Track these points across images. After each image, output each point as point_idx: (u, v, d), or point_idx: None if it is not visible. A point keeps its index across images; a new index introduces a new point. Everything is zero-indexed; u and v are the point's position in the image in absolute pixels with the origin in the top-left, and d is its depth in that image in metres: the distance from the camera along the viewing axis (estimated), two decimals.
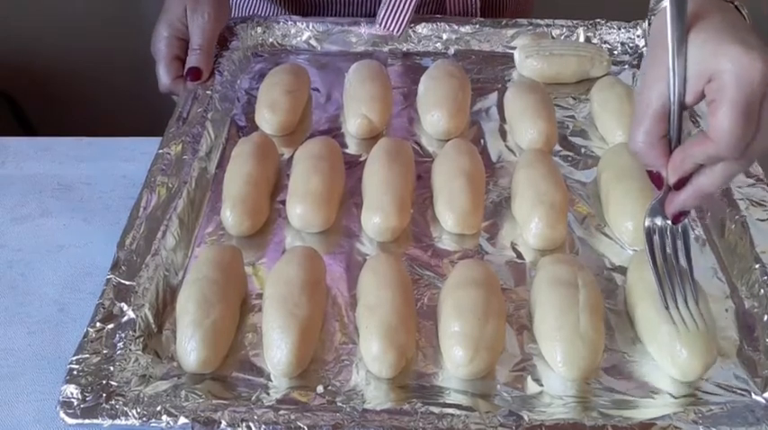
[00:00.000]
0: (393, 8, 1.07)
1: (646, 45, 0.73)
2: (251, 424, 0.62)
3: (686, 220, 0.71)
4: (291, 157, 0.90)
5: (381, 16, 1.08)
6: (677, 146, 0.66)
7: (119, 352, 0.67)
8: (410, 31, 1.11)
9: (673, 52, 0.63)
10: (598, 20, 1.11)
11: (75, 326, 0.70)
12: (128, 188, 0.90)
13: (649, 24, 0.69)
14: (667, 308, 0.70)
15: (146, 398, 0.64)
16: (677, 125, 0.66)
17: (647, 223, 0.72)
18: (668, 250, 0.71)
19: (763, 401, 0.67)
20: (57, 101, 1.84)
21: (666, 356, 0.68)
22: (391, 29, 1.08)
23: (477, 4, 1.15)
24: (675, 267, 0.71)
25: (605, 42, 1.10)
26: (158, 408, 0.63)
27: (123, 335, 0.69)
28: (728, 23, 0.64)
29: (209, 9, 1.01)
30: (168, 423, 0.62)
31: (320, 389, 0.67)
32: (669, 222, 0.71)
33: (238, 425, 0.62)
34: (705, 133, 0.63)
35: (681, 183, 0.67)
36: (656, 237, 0.72)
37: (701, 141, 0.63)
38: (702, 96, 0.64)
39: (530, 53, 1.06)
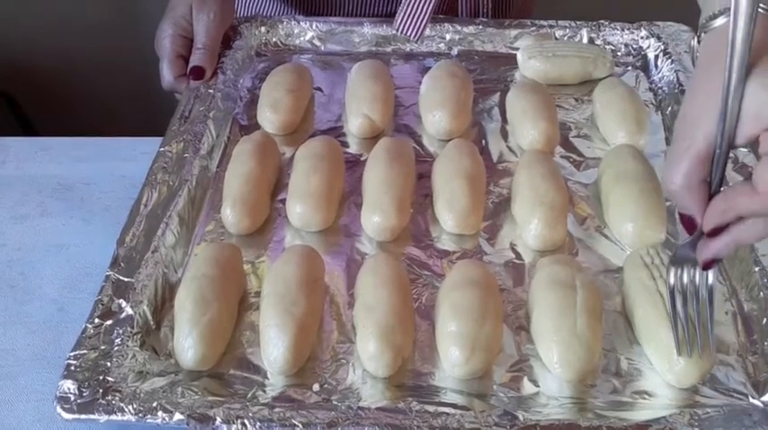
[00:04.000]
0: (410, 13, 1.07)
1: (693, 64, 0.66)
2: (246, 421, 0.62)
3: (716, 268, 0.66)
4: (293, 157, 0.90)
5: (399, 21, 1.07)
6: (717, 191, 0.61)
7: (116, 348, 0.68)
8: None
9: (729, 88, 0.56)
10: (601, 21, 1.11)
11: (74, 325, 0.70)
12: (127, 188, 0.90)
13: (698, 42, 0.61)
14: (680, 354, 0.66)
15: (142, 395, 0.65)
16: (721, 170, 0.60)
17: (671, 277, 0.66)
18: (689, 305, 0.66)
19: (761, 405, 0.67)
20: (57, 101, 1.85)
21: (664, 362, 0.68)
22: (409, 33, 1.07)
23: (488, 5, 1.15)
24: (696, 322, 0.66)
25: (608, 43, 1.10)
26: (154, 405, 0.63)
27: (121, 331, 0.69)
28: None
29: (214, 8, 1.02)
30: (164, 419, 0.62)
31: (316, 387, 0.68)
32: (694, 269, 0.65)
33: (233, 422, 0.62)
34: (752, 185, 0.57)
35: (716, 232, 0.61)
36: (679, 283, 0.66)
37: (747, 193, 0.57)
38: (754, 140, 0.58)
39: (532, 54, 1.05)
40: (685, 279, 0.66)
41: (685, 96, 0.63)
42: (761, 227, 0.59)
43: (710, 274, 0.65)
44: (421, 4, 1.05)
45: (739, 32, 0.55)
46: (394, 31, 1.09)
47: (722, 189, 0.62)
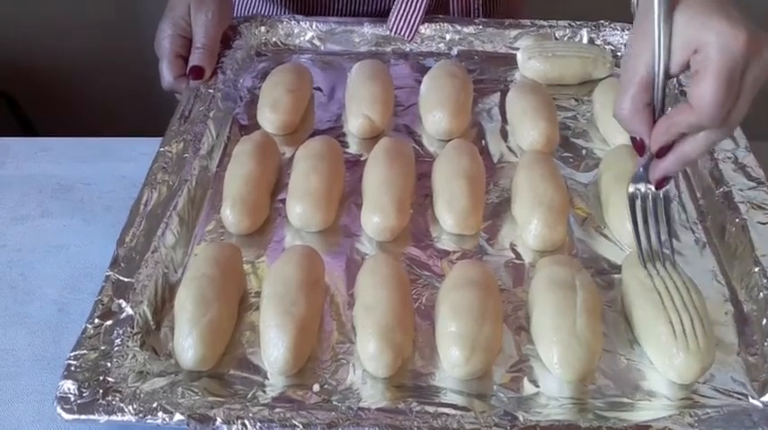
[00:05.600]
0: (404, 13, 1.07)
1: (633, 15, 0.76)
2: (246, 421, 0.62)
3: (669, 186, 0.75)
4: (293, 157, 0.90)
5: (392, 21, 1.08)
6: (661, 115, 0.70)
7: (116, 348, 0.68)
8: None
9: (659, 24, 0.66)
10: (601, 21, 1.11)
11: (75, 326, 0.70)
12: (128, 188, 0.90)
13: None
14: (645, 266, 0.73)
15: (142, 395, 0.65)
16: (662, 94, 0.69)
17: (630, 189, 0.76)
18: (650, 216, 0.75)
19: (761, 405, 0.67)
20: (57, 101, 1.84)
21: (664, 358, 0.68)
22: (403, 33, 1.08)
23: (479, 4, 1.15)
24: (655, 228, 0.75)
25: (608, 44, 1.10)
26: (154, 405, 0.63)
27: (121, 331, 0.69)
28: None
29: (213, 8, 1.02)
30: (164, 419, 0.62)
31: (316, 387, 0.68)
32: (652, 188, 0.75)
33: (233, 423, 0.62)
34: (688, 103, 0.66)
35: (663, 151, 0.70)
36: (638, 202, 0.76)
37: (684, 110, 0.67)
38: (687, 67, 0.67)
39: (532, 54, 1.05)
40: (643, 188, 0.76)
41: (628, 39, 0.75)
42: (701, 141, 0.69)
43: (665, 195, 0.76)
44: (414, 3, 1.06)
45: None
46: (388, 31, 1.09)
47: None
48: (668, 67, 0.68)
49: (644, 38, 0.68)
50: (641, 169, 0.75)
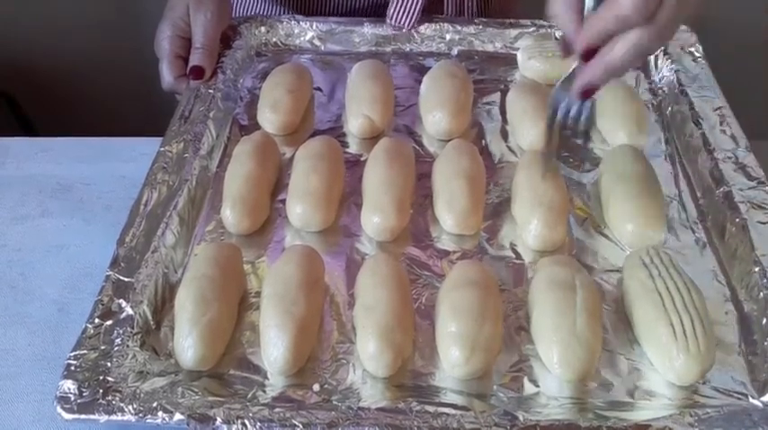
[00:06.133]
0: (403, 3, 1.07)
1: None
2: (246, 421, 0.62)
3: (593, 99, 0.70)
4: (293, 157, 0.90)
5: (392, 12, 1.08)
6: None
7: (116, 348, 0.68)
8: (413, 31, 1.11)
9: None
10: None
11: (75, 326, 0.70)
12: (127, 188, 0.90)
13: None
14: (549, 142, 0.71)
15: (142, 395, 0.65)
16: None
17: (553, 93, 0.71)
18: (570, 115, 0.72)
19: (761, 405, 0.67)
20: (57, 101, 1.85)
21: (664, 360, 0.68)
22: (402, 23, 1.08)
23: (473, 3, 1.15)
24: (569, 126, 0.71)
25: None
26: (154, 405, 0.63)
27: (121, 331, 0.69)
28: None
29: (211, 7, 1.02)
30: (164, 419, 0.62)
31: (316, 387, 0.68)
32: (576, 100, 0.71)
33: (233, 423, 0.62)
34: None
35: (590, 54, 0.66)
36: (562, 105, 0.72)
37: (607, 5, 0.63)
38: None
39: (532, 54, 1.05)
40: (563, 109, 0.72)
41: None
42: (629, 42, 0.63)
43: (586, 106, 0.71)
44: None
45: None
46: (392, 29, 1.09)
47: None
48: None
49: None
50: (565, 79, 0.70)
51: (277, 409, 0.64)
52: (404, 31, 1.09)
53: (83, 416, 0.63)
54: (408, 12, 1.07)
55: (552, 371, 0.68)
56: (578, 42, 0.66)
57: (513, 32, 1.11)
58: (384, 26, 1.10)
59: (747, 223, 0.79)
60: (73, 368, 0.65)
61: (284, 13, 1.17)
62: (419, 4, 1.07)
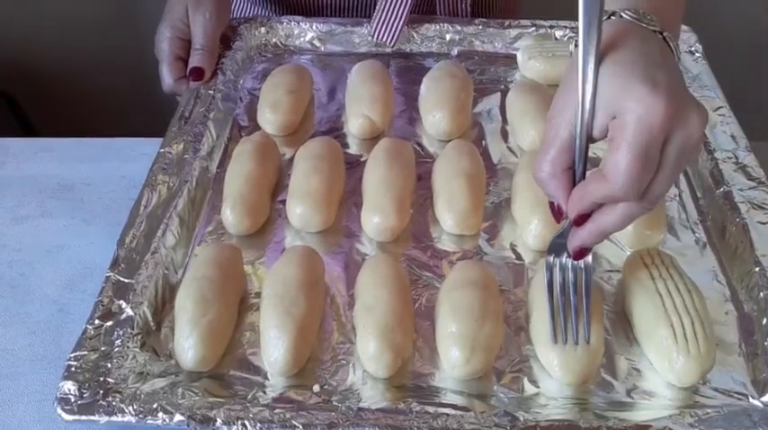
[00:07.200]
0: (386, 19, 1.07)
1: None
2: (246, 422, 0.62)
3: (589, 257, 0.68)
4: (293, 157, 0.90)
5: (374, 27, 1.08)
6: (582, 180, 0.63)
7: (117, 349, 0.68)
8: (413, 32, 1.11)
9: (582, 81, 0.60)
10: None
11: (75, 326, 0.70)
12: (128, 188, 0.90)
13: (576, 46, 0.62)
14: (556, 342, 0.68)
15: (142, 396, 0.65)
16: (582, 159, 0.62)
17: (546, 270, 0.69)
18: (568, 284, 0.69)
19: (761, 405, 0.67)
20: (57, 101, 1.85)
21: (664, 361, 0.68)
22: (385, 39, 1.08)
23: (467, 5, 1.15)
24: (572, 301, 0.69)
25: None
26: (155, 406, 0.63)
27: (121, 332, 0.69)
28: (642, 55, 0.60)
29: (210, 8, 1.02)
30: (164, 420, 0.62)
31: (316, 388, 0.68)
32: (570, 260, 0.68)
33: (233, 424, 0.62)
34: (602, 172, 0.60)
35: (581, 219, 0.64)
36: (556, 270, 0.69)
37: (598, 179, 0.60)
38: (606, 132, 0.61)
39: (532, 54, 1.05)
40: (561, 268, 0.69)
41: (557, 91, 0.65)
42: (619, 214, 0.62)
43: (585, 265, 0.69)
44: (396, 10, 1.05)
45: (586, 34, 0.59)
46: (371, 37, 1.09)
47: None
48: (591, 130, 0.61)
49: (569, 93, 0.61)
50: (556, 238, 0.68)
51: (277, 410, 0.64)
52: (386, 49, 1.09)
53: (83, 418, 0.62)
54: (390, 29, 1.07)
55: (553, 375, 0.68)
56: (570, 212, 0.64)
57: (513, 32, 1.11)
58: None
59: (747, 223, 0.79)
60: (73, 369, 0.65)
61: (282, 14, 1.17)
62: (402, 21, 1.06)
